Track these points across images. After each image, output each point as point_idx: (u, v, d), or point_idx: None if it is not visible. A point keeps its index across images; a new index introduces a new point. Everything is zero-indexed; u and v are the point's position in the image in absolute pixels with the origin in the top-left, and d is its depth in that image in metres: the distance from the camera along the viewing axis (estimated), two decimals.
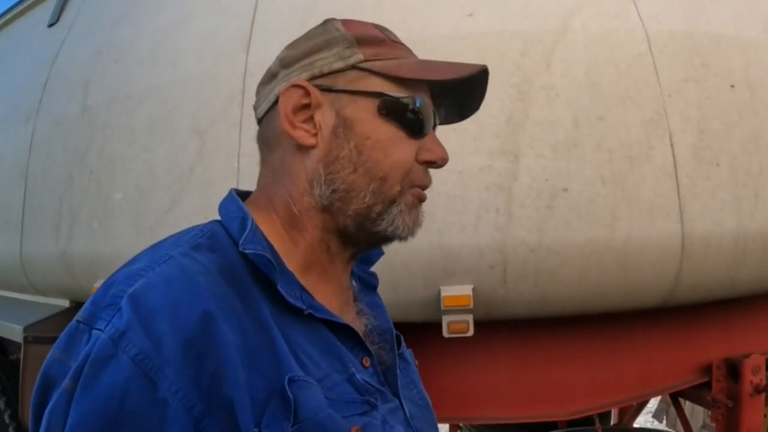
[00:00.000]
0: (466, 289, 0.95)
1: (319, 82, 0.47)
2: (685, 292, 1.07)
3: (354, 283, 0.54)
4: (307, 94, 0.46)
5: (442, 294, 0.95)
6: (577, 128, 1.00)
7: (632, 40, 1.07)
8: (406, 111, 0.47)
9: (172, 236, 0.45)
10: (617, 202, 0.99)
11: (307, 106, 0.47)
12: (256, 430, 0.38)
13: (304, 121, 0.46)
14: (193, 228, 0.46)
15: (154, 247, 0.44)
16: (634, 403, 2.18)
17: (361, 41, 0.48)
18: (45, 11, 1.77)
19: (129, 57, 1.32)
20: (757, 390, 1.36)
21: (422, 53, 1.30)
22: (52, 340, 1.57)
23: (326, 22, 0.50)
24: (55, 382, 0.39)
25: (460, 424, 2.27)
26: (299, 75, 0.47)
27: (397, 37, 0.51)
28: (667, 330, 1.45)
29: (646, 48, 1.07)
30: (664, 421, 2.27)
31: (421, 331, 1.03)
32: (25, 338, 1.29)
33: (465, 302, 0.94)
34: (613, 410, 2.49)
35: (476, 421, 1.98)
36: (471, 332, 0.97)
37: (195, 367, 0.37)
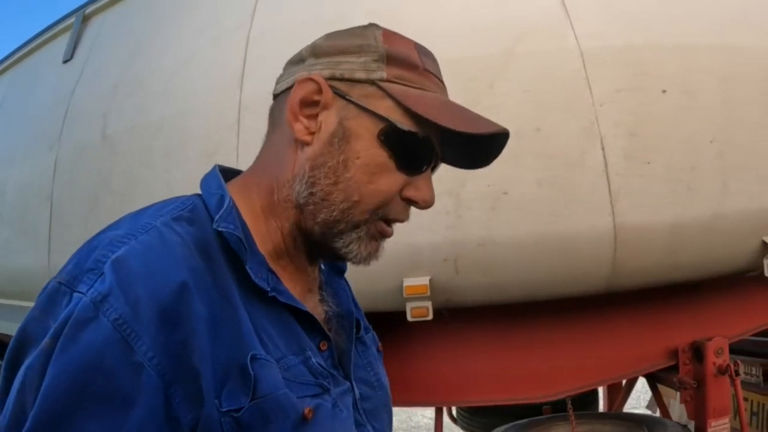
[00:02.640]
0: (424, 280, 1.22)
1: (336, 84, 0.50)
2: (624, 276, 1.31)
3: (322, 266, 0.59)
4: (320, 91, 0.50)
5: (404, 284, 1.21)
6: (518, 140, 1.25)
7: (568, 58, 1.33)
8: (406, 144, 0.49)
9: (154, 205, 0.50)
10: (555, 202, 1.24)
11: (315, 103, 0.50)
12: (216, 401, 0.43)
13: (308, 117, 0.50)
14: (176, 199, 0.50)
15: (136, 215, 0.48)
16: (607, 386, 2.35)
17: (392, 59, 0.50)
18: (58, 48, 2.14)
19: (145, 90, 1.65)
20: (720, 371, 1.57)
21: None
22: None
23: (369, 26, 0.53)
24: (32, 341, 0.42)
25: (453, 413, 2.52)
26: (322, 70, 0.50)
27: (436, 67, 0.53)
28: (637, 316, 1.68)
29: (580, 64, 1.32)
30: (658, 412, 2.45)
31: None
32: None
33: (423, 291, 1.21)
34: (601, 397, 2.69)
35: (461, 404, 2.23)
36: (430, 316, 1.23)
37: (168, 336, 0.42)
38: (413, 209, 0.53)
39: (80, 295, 0.42)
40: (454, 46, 1.35)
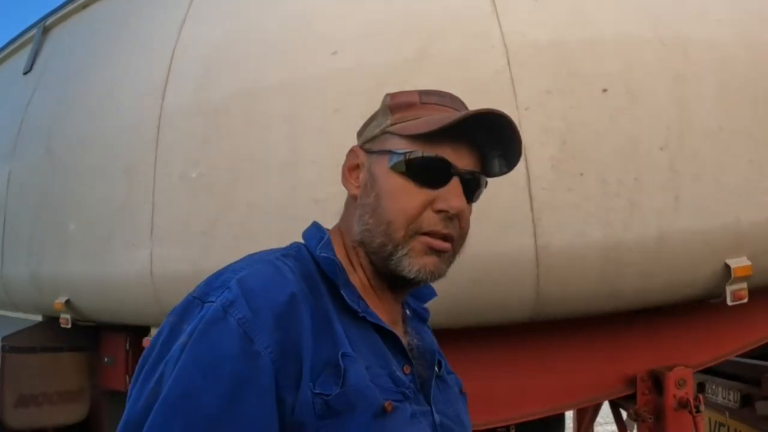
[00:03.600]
0: None
1: (365, 146, 0.63)
2: (551, 305, 1.12)
3: (407, 312, 0.67)
4: (357, 156, 0.63)
5: None
6: None
7: (491, 58, 1.14)
8: (409, 165, 0.57)
9: (264, 251, 0.60)
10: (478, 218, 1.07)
11: (357, 166, 0.63)
12: (311, 384, 0.51)
13: (355, 177, 0.62)
14: (283, 247, 0.62)
15: (252, 256, 0.59)
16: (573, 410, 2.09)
17: (395, 108, 0.61)
18: (23, 59, 2.10)
19: (82, 106, 1.58)
20: (681, 404, 1.34)
21: (293, 95, 1.46)
22: (27, 350, 1.84)
23: (385, 96, 0.64)
24: (164, 341, 0.51)
25: None
26: (359, 141, 0.65)
27: (439, 99, 0.62)
28: (591, 341, 1.47)
29: (505, 64, 1.14)
30: (635, 429, 2.21)
31: None
32: (3, 347, 1.58)
33: None
34: (568, 419, 2.44)
35: None
36: None
37: (281, 334, 0.50)
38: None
39: (211, 303, 0.51)
40: (364, 50, 1.19)
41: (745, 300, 1.20)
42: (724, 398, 1.77)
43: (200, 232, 1.21)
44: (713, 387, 1.83)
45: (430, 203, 0.57)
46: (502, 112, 0.57)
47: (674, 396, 1.36)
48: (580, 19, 1.20)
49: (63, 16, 1.91)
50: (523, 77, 1.14)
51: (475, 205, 1.10)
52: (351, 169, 0.63)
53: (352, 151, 0.63)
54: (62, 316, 1.51)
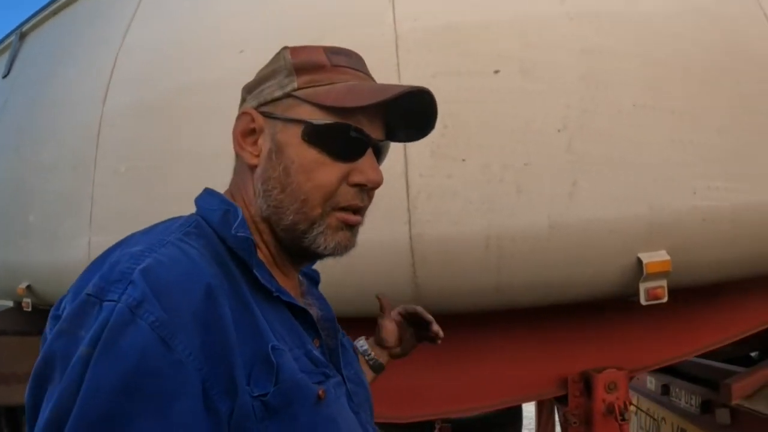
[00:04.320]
0: None
1: (264, 109, 0.54)
2: (431, 297, 1.03)
3: (301, 278, 0.62)
4: (253, 120, 0.54)
5: None
6: None
7: (379, 45, 1.08)
8: (327, 137, 0.52)
9: (158, 225, 0.52)
10: None
11: (253, 131, 0.54)
12: (248, 388, 0.45)
13: (251, 144, 0.54)
14: (177, 219, 0.53)
15: (145, 233, 0.50)
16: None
17: (300, 69, 0.53)
18: (2, 64, 2.23)
19: (43, 107, 1.69)
20: (610, 410, 1.19)
21: (201, 95, 1.47)
22: None
23: (281, 50, 0.56)
24: (62, 354, 0.41)
25: None
26: (252, 102, 0.55)
27: (349, 60, 0.55)
28: (525, 338, 1.36)
29: (393, 50, 1.07)
30: None
31: None
32: None
33: None
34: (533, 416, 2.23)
35: None
36: None
37: (202, 334, 0.43)
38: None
39: (111, 303, 0.42)
40: (267, 48, 1.16)
41: (663, 299, 1.04)
42: (686, 402, 1.55)
43: (132, 222, 1.24)
44: (677, 390, 1.62)
45: (345, 177, 0.52)
46: (430, 92, 0.52)
47: (603, 400, 1.21)
48: (478, 1, 1.11)
49: (38, 23, 2.05)
50: (410, 62, 1.07)
51: None
52: (245, 134, 0.54)
53: (246, 113, 0.54)
54: (24, 300, 1.62)
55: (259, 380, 0.46)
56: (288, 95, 0.52)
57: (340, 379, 0.55)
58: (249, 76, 1.16)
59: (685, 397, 1.53)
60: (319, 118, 0.51)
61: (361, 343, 0.80)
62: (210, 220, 0.52)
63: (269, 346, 0.47)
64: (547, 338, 1.32)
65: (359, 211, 0.54)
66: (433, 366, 1.39)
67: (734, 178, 1.08)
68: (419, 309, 0.80)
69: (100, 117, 1.42)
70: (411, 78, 1.06)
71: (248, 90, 0.56)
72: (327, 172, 0.51)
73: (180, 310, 0.42)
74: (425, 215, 0.99)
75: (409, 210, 0.99)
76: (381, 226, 1.00)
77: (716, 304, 1.31)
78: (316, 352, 0.53)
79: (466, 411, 1.39)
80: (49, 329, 0.45)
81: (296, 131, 0.51)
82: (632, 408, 1.90)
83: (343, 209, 0.52)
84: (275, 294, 0.51)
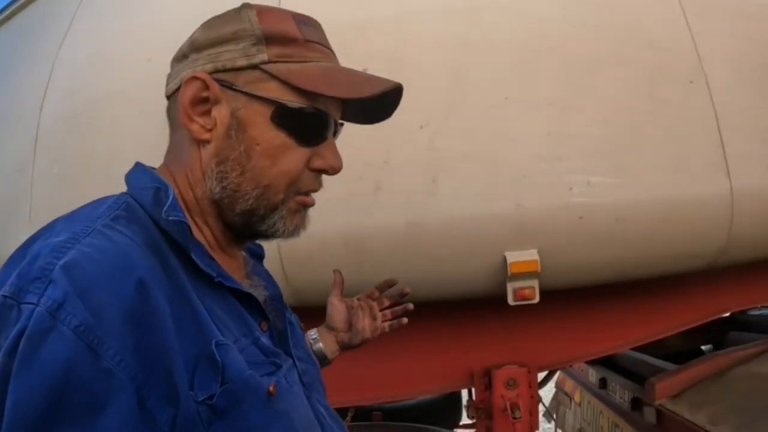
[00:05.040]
0: None
1: (221, 76, 0.46)
2: (303, 293, 1.03)
3: (245, 254, 0.57)
4: (207, 87, 0.46)
5: None
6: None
7: None
8: (299, 120, 0.47)
9: (83, 208, 0.45)
10: None
11: (206, 100, 0.46)
12: (192, 393, 0.40)
13: (201, 114, 0.47)
14: (104, 200, 0.46)
15: (69, 220, 0.44)
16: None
17: (270, 39, 0.47)
18: None
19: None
20: (511, 407, 1.13)
21: (113, 103, 1.55)
22: None
23: (242, 8, 0.49)
24: None
25: None
26: (204, 65, 0.47)
27: (319, 33, 0.51)
28: (438, 331, 1.32)
29: None
30: (552, 422, 1.90)
31: None
32: None
33: None
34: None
35: None
36: None
37: (135, 337, 0.38)
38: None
39: (30, 306, 0.36)
40: (170, 56, 1.22)
41: (534, 300, 0.98)
42: (620, 398, 1.44)
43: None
44: (613, 384, 1.50)
45: (308, 162, 0.48)
46: (401, 87, 0.50)
47: (502, 396, 1.16)
48: (352, 2, 1.09)
49: None
50: None
51: None
52: (195, 102, 0.46)
53: (197, 78, 0.46)
54: None
55: (203, 382, 0.41)
56: (254, 67, 0.46)
57: (290, 363, 0.51)
58: (156, 85, 1.22)
59: (620, 392, 1.43)
60: (288, 99, 0.46)
61: (312, 333, 0.77)
62: (141, 200, 0.46)
63: (213, 343, 0.42)
64: (460, 332, 1.29)
65: (313, 193, 0.51)
66: (348, 356, 1.40)
67: (619, 172, 0.99)
68: (395, 280, 0.76)
69: (38, 125, 1.53)
70: None
71: (196, 48, 0.48)
72: (293, 157, 0.47)
73: (108, 310, 0.37)
74: None
75: None
76: None
77: (630, 303, 1.21)
78: (264, 339, 0.49)
79: (379, 399, 1.38)
80: None
81: (264, 110, 0.46)
82: (573, 400, 1.81)
83: (303, 193, 0.49)
84: (217, 280, 0.46)
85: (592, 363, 1.63)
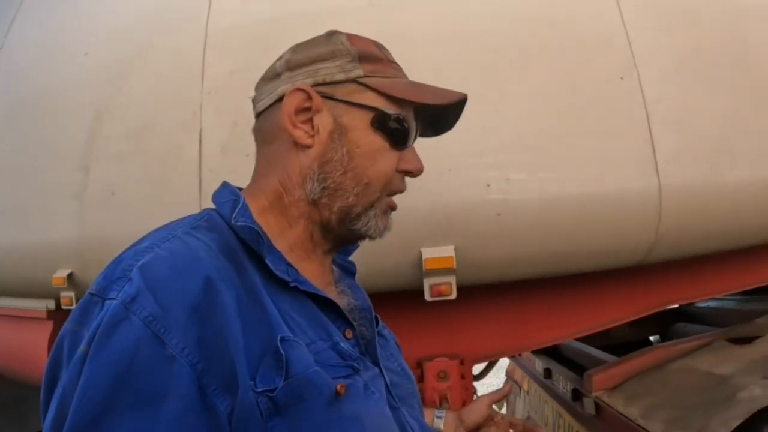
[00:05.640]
0: (64, 273, 1.15)
1: (321, 89, 0.51)
2: None
3: (335, 268, 0.59)
4: (309, 98, 0.51)
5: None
6: (128, 141, 1.08)
7: (190, 43, 1.07)
8: (393, 126, 0.52)
9: (171, 222, 0.49)
10: (154, 202, 1.04)
11: (307, 109, 0.51)
12: (251, 383, 0.41)
13: (304, 122, 0.51)
14: (190, 215, 0.51)
15: (156, 231, 0.47)
16: None
17: (363, 57, 0.52)
18: None
19: None
20: (440, 400, 1.13)
21: (52, 96, 1.53)
22: None
23: (332, 34, 0.55)
24: (68, 353, 0.41)
25: None
26: (303, 79, 0.51)
27: (392, 56, 0.57)
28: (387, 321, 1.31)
29: (201, 49, 1.06)
30: (504, 408, 1.89)
31: None
32: None
33: (59, 282, 1.15)
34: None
35: None
36: (73, 306, 1.17)
37: (199, 329, 0.40)
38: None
39: (111, 300, 0.41)
40: (106, 49, 1.21)
41: (450, 296, 0.96)
42: (563, 388, 1.41)
43: (14, 212, 1.37)
44: (556, 374, 1.48)
45: (397, 164, 0.53)
46: (466, 98, 0.55)
47: (434, 389, 1.16)
48: None
49: None
50: (214, 60, 1.05)
51: (159, 189, 1.08)
52: (298, 111, 0.51)
53: (301, 90, 0.51)
54: None
55: (267, 375, 0.42)
56: (353, 80, 0.51)
57: (376, 372, 0.51)
58: (91, 80, 1.21)
59: (562, 382, 1.41)
60: (385, 107, 0.51)
61: (440, 411, 0.78)
62: (222, 212, 0.50)
63: (278, 338, 0.43)
64: (392, 325, 1.27)
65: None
66: None
67: (541, 168, 0.96)
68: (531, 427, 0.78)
69: None
70: (213, 77, 1.05)
71: (290, 67, 0.53)
72: (387, 159, 0.52)
73: (175, 303, 0.40)
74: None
75: (200, 204, 1.01)
76: (171, 219, 1.02)
77: (572, 294, 1.18)
78: (346, 345, 0.49)
79: None
80: None
81: (364, 116, 0.51)
82: (522, 388, 1.80)
83: (391, 194, 0.54)
84: (292, 284, 0.48)
85: (537, 353, 1.62)
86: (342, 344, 0.48)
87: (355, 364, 0.48)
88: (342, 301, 0.52)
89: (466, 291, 1.09)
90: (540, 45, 1.00)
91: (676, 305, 1.24)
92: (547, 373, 1.54)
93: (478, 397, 0.79)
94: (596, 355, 1.44)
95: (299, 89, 0.50)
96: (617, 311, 1.18)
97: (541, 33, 1.01)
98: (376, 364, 0.51)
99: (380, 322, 0.58)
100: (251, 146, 0.99)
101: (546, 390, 1.55)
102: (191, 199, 1.01)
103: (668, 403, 1.17)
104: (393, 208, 0.54)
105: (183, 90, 1.05)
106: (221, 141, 1.00)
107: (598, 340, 1.50)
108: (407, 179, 0.56)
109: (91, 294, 0.42)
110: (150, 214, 1.04)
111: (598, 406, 1.24)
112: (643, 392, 1.22)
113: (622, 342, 1.63)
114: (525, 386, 1.73)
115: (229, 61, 1.03)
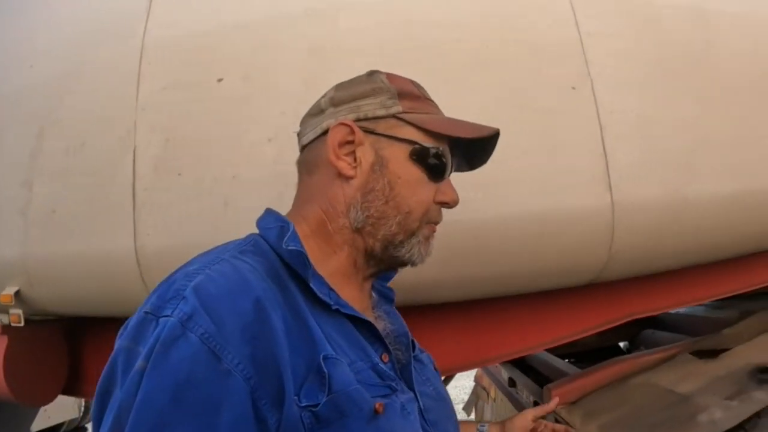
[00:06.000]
0: (12, 290, 1.13)
1: (362, 124, 0.54)
2: None
3: (374, 294, 0.61)
4: (352, 132, 0.54)
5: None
6: (67, 157, 1.04)
7: (127, 57, 1.02)
8: (432, 159, 0.54)
9: (217, 247, 0.52)
10: (90, 221, 1.00)
11: (350, 142, 0.54)
12: (296, 398, 0.43)
13: (347, 155, 0.54)
14: (236, 240, 0.53)
15: (203, 255, 0.50)
16: None
17: (402, 95, 0.56)
18: None
19: None
20: None
21: (5, 106, 1.46)
22: None
23: (373, 73, 0.58)
24: (123, 368, 0.42)
25: None
26: (347, 115, 0.54)
27: (428, 94, 0.60)
28: None
29: (136, 65, 1.00)
30: (473, 414, 1.86)
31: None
32: None
33: (7, 300, 1.13)
34: None
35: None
36: (21, 323, 1.14)
37: (251, 346, 0.42)
38: None
39: (166, 318, 0.42)
40: (48, 62, 1.16)
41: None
42: (526, 398, 1.37)
43: None
44: (520, 385, 1.43)
45: (434, 196, 0.55)
46: (499, 132, 0.58)
47: None
48: (223, 6, 0.99)
49: None
50: (148, 75, 0.99)
51: (91, 205, 1.04)
52: (342, 144, 0.53)
53: (344, 125, 0.53)
54: None
55: (310, 391, 0.44)
56: (392, 116, 0.54)
57: (410, 396, 0.52)
58: (39, 91, 1.16)
59: (525, 393, 1.36)
60: (424, 142, 0.54)
61: (483, 425, 0.79)
62: (267, 237, 0.52)
63: (321, 356, 0.45)
64: None
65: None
66: None
67: (479, 186, 0.88)
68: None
69: None
70: (146, 93, 0.99)
71: (334, 104, 0.55)
72: (426, 190, 0.54)
73: (229, 322, 0.42)
74: (147, 228, 0.95)
75: (134, 224, 0.97)
76: (107, 237, 0.98)
77: (535, 307, 1.13)
78: (384, 366, 0.50)
79: None
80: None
81: (403, 150, 0.53)
82: (489, 395, 1.76)
83: (431, 223, 0.56)
84: (334, 307, 0.49)
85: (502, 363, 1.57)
86: (380, 365, 0.50)
87: (393, 384, 0.49)
88: (379, 326, 0.54)
89: (418, 309, 1.04)
90: (485, 54, 0.93)
91: (640, 317, 1.18)
92: (512, 382, 1.49)
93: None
94: (559, 366, 1.38)
95: (343, 123, 0.53)
96: (567, 327, 1.12)
97: (487, 41, 0.93)
98: (411, 388, 0.52)
99: (417, 347, 0.59)
100: (184, 165, 0.96)
101: (511, 399, 1.51)
102: (125, 218, 0.97)
103: (626, 422, 1.12)
104: (433, 234, 0.56)
105: (119, 106, 1.00)
106: (154, 159, 0.96)
107: (565, 347, 1.45)
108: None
109: (146, 313, 0.43)
110: (87, 233, 1.00)
111: (558, 420, 1.20)
112: (601, 409, 1.17)
113: (590, 349, 1.57)
114: (492, 393, 1.69)
115: (163, 77, 0.98)
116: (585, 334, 1.15)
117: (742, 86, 1.01)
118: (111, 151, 1.00)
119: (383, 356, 0.51)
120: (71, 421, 3.71)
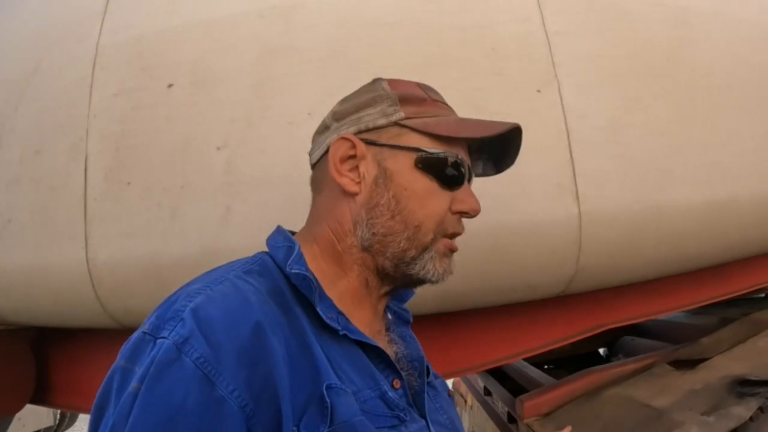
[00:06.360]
0: None
1: (365, 136, 0.51)
2: (118, 320, 0.95)
3: (389, 315, 0.57)
4: (354, 146, 0.50)
5: None
6: (21, 166, 0.99)
7: (80, 63, 0.97)
8: (440, 165, 0.50)
9: (223, 265, 0.49)
10: (43, 232, 0.96)
11: (353, 157, 0.50)
12: (295, 429, 0.40)
13: (350, 170, 0.50)
14: (243, 258, 0.50)
15: (209, 273, 0.47)
16: None
17: (404, 100, 0.51)
18: None
19: None
20: None
21: None
22: None
23: (375, 81, 0.54)
24: (119, 387, 0.41)
25: None
26: (348, 129, 0.51)
27: (440, 95, 0.55)
28: None
29: (90, 69, 0.96)
30: None
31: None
32: None
33: None
34: None
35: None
36: None
37: (249, 372, 0.40)
38: None
39: (163, 340, 0.41)
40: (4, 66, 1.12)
41: None
42: (501, 408, 1.31)
43: None
44: (495, 394, 1.37)
45: (450, 205, 0.51)
46: (520, 128, 0.52)
47: None
48: (179, 6, 0.94)
49: None
50: (101, 81, 0.95)
51: (43, 215, 1.00)
52: (343, 160, 0.50)
53: (345, 139, 0.50)
54: None
55: (311, 422, 0.41)
56: (394, 124, 0.50)
57: (422, 425, 0.49)
58: None
59: (500, 403, 1.31)
60: (430, 147, 0.49)
61: None
62: (275, 257, 0.49)
63: (324, 385, 0.42)
64: None
65: (456, 237, 0.52)
66: None
67: None
68: None
69: None
70: (99, 100, 0.95)
71: (337, 118, 0.52)
72: (438, 199, 0.50)
73: (226, 347, 0.40)
74: (98, 239, 0.90)
75: (86, 236, 0.92)
76: (60, 249, 0.94)
77: (486, 323, 1.08)
78: (393, 394, 0.47)
79: None
80: None
81: (408, 159, 0.49)
82: (467, 402, 1.71)
83: (448, 236, 0.51)
84: (342, 332, 0.46)
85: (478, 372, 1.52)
86: (390, 393, 0.47)
87: (402, 415, 0.47)
88: (391, 350, 0.51)
89: None
90: (444, 54, 0.87)
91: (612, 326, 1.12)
92: (487, 391, 1.44)
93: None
94: (534, 376, 1.33)
95: (344, 138, 0.50)
96: (537, 339, 1.07)
97: (446, 40, 0.87)
98: (423, 416, 0.50)
99: (431, 373, 0.56)
100: (133, 174, 0.91)
101: (486, 408, 1.45)
102: (77, 229, 0.92)
103: None
104: (453, 250, 0.51)
105: (72, 113, 0.96)
106: (105, 168, 0.91)
107: (543, 354, 1.39)
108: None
109: (144, 333, 0.41)
110: (40, 244, 0.96)
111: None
112: (575, 422, 1.11)
113: (569, 356, 1.51)
114: (469, 401, 1.64)
115: (115, 82, 0.93)
116: (556, 345, 1.09)
117: (719, 87, 0.94)
118: (64, 160, 0.96)
119: (395, 382, 0.48)
120: (47, 429, 3.57)
